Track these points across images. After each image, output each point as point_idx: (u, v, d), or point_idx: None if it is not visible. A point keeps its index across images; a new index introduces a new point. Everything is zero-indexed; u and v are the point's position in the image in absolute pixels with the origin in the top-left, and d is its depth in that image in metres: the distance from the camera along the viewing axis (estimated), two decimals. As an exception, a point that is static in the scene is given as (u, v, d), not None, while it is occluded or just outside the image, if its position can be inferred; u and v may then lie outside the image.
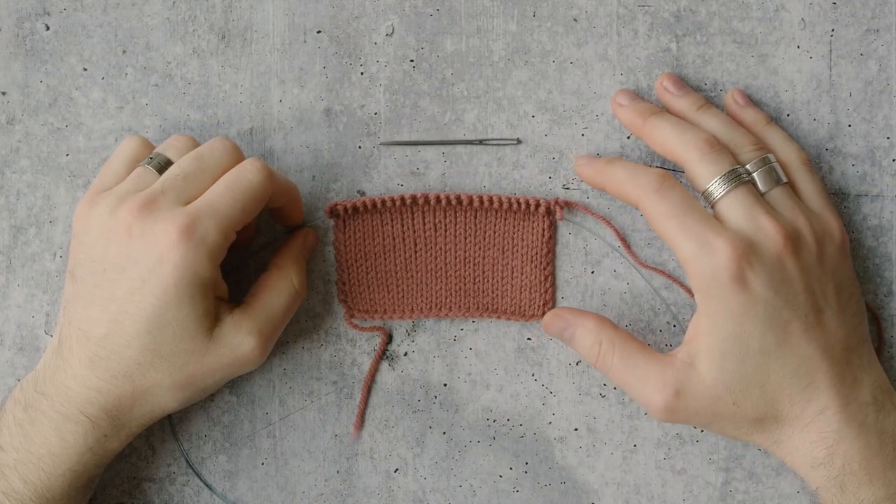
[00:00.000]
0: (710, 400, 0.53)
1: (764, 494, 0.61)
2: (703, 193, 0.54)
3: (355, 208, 0.60)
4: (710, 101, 0.61)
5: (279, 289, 0.57)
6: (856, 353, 0.53)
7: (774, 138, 0.58)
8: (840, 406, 0.52)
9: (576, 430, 0.61)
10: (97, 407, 0.53)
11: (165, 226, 0.51)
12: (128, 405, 0.53)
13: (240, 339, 0.54)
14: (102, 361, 0.52)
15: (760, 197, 0.54)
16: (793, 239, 0.52)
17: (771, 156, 0.55)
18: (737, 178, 0.53)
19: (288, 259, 0.58)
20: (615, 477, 0.61)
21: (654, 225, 0.54)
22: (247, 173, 0.54)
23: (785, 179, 0.55)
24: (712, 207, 0.54)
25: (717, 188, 0.53)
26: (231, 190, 0.53)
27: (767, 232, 0.52)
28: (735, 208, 0.53)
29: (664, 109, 0.59)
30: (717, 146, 0.54)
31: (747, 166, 0.54)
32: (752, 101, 0.60)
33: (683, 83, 0.60)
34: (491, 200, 0.60)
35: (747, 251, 0.51)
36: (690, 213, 0.53)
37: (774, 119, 0.61)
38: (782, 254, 0.52)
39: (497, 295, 0.61)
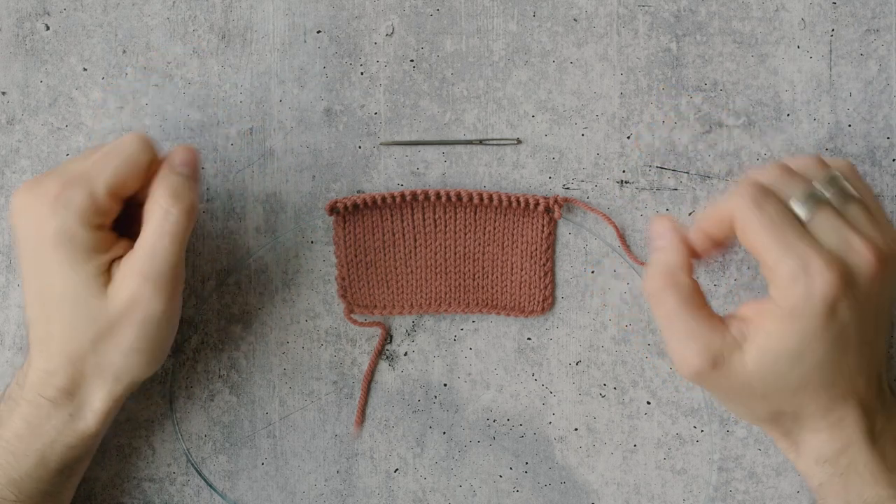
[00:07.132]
0: (742, 385, 0.51)
1: (764, 494, 0.61)
2: None
3: (355, 205, 0.60)
4: (711, 100, 0.61)
5: (149, 221, 0.53)
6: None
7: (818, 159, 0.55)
8: (858, 416, 0.51)
9: (576, 429, 0.61)
10: (53, 388, 0.53)
11: (40, 199, 0.52)
12: (79, 381, 0.54)
13: (126, 286, 0.52)
14: (39, 343, 0.54)
15: (842, 216, 0.51)
16: (882, 260, 0.50)
17: (837, 172, 0.52)
18: (816, 198, 0.50)
19: (156, 184, 0.54)
20: (615, 477, 0.61)
21: (748, 237, 0.51)
22: (122, 140, 0.54)
23: (857, 195, 0.52)
24: None
25: (800, 211, 0.50)
26: (105, 154, 0.53)
27: (861, 253, 0.49)
28: (824, 230, 0.50)
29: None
30: (790, 170, 0.52)
31: (818, 187, 0.52)
32: None
33: None
34: (490, 197, 0.60)
35: (845, 279, 0.49)
36: (790, 227, 0.50)
37: (774, 119, 0.61)
38: (874, 277, 0.49)
39: (497, 291, 0.61)
